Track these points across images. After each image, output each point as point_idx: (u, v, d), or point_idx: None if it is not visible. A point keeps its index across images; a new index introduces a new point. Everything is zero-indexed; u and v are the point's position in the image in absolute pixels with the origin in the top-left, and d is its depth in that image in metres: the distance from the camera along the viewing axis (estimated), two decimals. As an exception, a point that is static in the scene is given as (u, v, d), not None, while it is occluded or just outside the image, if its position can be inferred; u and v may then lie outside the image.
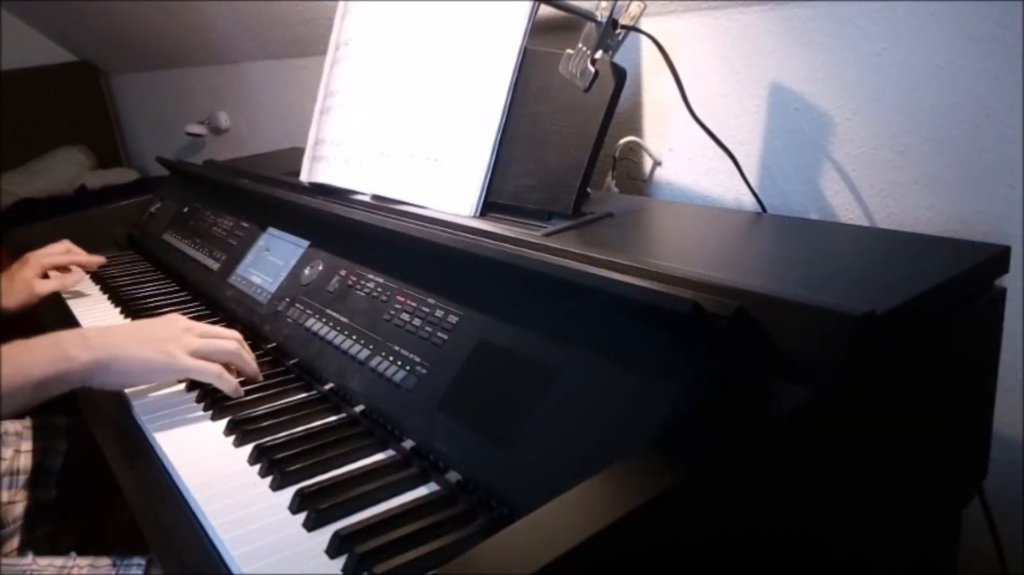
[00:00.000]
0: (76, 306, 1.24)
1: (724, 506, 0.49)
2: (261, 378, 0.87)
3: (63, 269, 1.33)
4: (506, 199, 0.91)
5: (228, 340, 0.86)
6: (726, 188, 1.07)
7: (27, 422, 1.17)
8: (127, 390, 0.86)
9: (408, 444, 0.70)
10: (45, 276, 1.32)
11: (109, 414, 0.85)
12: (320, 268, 0.96)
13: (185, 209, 1.44)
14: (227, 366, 0.85)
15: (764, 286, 0.58)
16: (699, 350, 0.54)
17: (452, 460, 0.64)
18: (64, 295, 1.29)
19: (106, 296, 1.28)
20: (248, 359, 0.87)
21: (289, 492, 0.65)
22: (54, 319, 1.21)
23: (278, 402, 0.82)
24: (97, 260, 1.38)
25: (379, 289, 0.84)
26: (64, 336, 0.82)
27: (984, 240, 0.81)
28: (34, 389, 0.78)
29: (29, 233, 1.55)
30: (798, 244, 0.79)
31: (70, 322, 1.18)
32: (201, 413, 0.83)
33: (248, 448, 0.73)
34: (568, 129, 0.87)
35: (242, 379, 0.86)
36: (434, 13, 0.99)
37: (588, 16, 0.85)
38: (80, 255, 1.36)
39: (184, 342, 0.83)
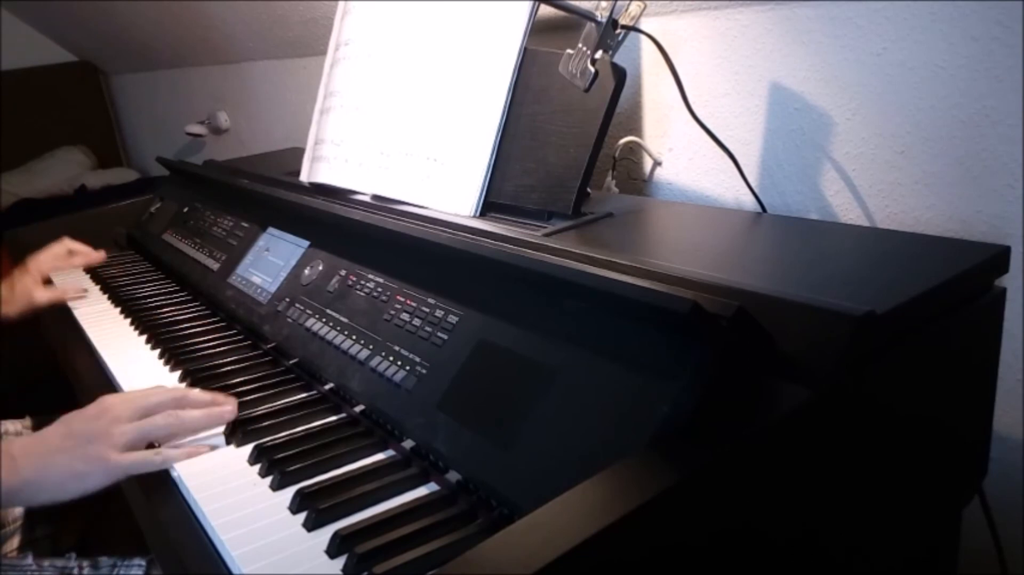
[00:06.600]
0: (76, 305, 1.24)
1: (724, 506, 0.49)
2: (227, 414, 0.77)
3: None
4: (506, 199, 0.91)
5: (162, 416, 0.75)
6: (726, 188, 1.07)
7: (27, 422, 1.17)
8: (126, 390, 0.86)
9: (408, 444, 0.70)
10: (48, 281, 1.32)
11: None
12: (320, 268, 0.96)
13: (185, 209, 1.44)
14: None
15: (764, 286, 0.58)
16: (699, 350, 0.54)
17: (452, 460, 0.64)
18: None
19: (106, 296, 1.28)
20: (194, 416, 0.76)
21: (289, 492, 0.65)
22: (55, 319, 1.21)
23: (278, 402, 0.82)
24: (99, 257, 1.39)
25: (379, 289, 0.84)
26: None
27: (984, 240, 0.81)
28: None
29: (29, 233, 1.56)
30: (798, 244, 0.79)
31: (71, 322, 1.18)
32: (201, 413, 0.83)
33: (248, 448, 0.73)
34: (568, 129, 0.87)
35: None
36: (434, 13, 0.99)
37: (588, 16, 0.85)
38: (80, 257, 1.37)
39: (115, 437, 0.72)
